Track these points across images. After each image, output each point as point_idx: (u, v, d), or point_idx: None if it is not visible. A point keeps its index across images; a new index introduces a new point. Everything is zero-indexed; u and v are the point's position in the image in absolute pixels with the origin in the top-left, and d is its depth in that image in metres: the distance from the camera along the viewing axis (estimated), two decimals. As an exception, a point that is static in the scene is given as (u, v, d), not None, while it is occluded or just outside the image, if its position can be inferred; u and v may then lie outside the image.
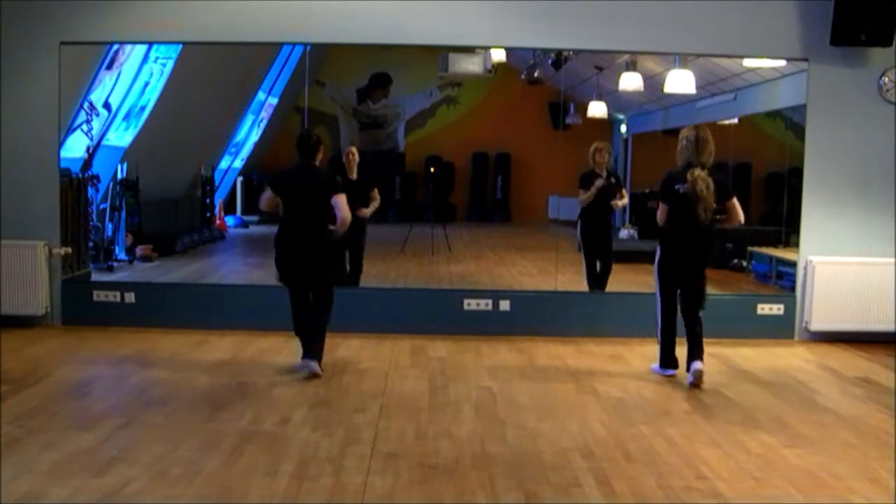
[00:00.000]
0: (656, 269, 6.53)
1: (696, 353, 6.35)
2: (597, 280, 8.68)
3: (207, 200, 12.15)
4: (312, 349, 6.34)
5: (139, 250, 10.17)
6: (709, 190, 6.11)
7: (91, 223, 9.10)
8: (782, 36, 7.84)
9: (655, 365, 6.68)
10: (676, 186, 6.24)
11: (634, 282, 9.01)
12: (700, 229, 6.24)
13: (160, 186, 10.76)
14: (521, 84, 11.24)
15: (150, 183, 10.30)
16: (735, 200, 6.31)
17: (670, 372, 6.55)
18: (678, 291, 6.48)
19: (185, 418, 5.31)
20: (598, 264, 8.72)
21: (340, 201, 6.22)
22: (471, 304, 8.06)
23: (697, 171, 6.13)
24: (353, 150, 8.69)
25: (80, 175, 8.77)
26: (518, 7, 7.81)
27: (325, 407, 5.62)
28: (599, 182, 8.53)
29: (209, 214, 12.19)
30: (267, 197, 6.42)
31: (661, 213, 6.44)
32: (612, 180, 8.73)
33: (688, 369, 6.34)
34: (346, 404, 5.69)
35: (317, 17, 7.74)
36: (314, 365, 6.27)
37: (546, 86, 10.94)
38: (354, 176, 8.53)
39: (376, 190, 8.67)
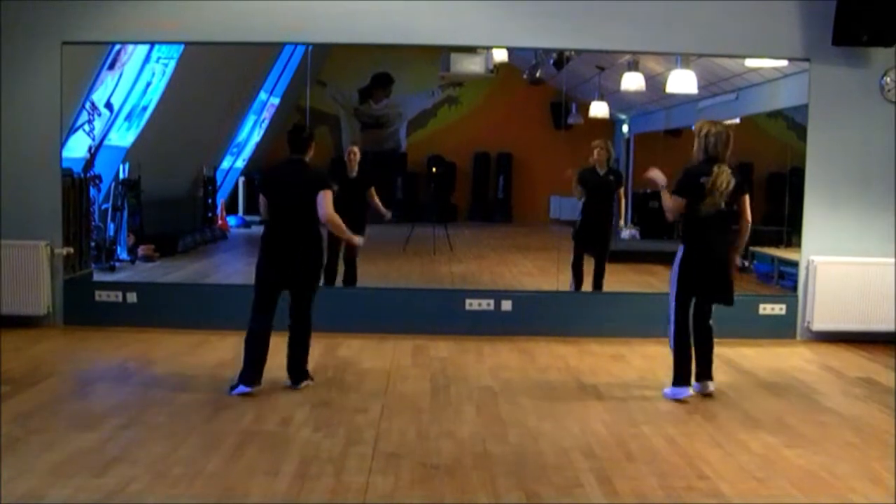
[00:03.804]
0: (676, 273, 5.97)
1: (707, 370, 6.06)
2: (593, 280, 8.69)
3: (209, 200, 12.14)
4: (298, 370, 6.04)
5: (141, 250, 10.17)
6: (727, 187, 5.76)
7: (93, 223, 9.10)
8: (784, 36, 7.84)
9: (667, 388, 6.03)
10: (702, 179, 5.81)
11: (636, 282, 9.02)
12: (725, 227, 5.91)
13: (162, 186, 10.76)
14: (523, 84, 11.22)
15: (152, 183, 10.29)
16: (747, 198, 5.94)
17: (685, 393, 5.94)
18: (694, 300, 6.00)
19: (186, 418, 5.31)
20: (593, 263, 8.75)
21: (324, 198, 5.80)
22: (472, 304, 8.06)
23: (724, 167, 5.80)
24: (355, 149, 8.73)
25: (82, 175, 8.77)
26: (519, 7, 7.80)
27: (326, 407, 5.62)
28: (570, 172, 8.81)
29: (211, 214, 12.17)
30: (263, 203, 6.00)
31: (675, 205, 5.91)
32: (611, 178, 8.80)
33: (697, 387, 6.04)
34: (348, 404, 5.69)
35: (318, 17, 7.74)
36: (308, 382, 6.07)
37: (548, 86, 10.92)
38: (354, 174, 8.59)
39: (373, 189, 8.73)
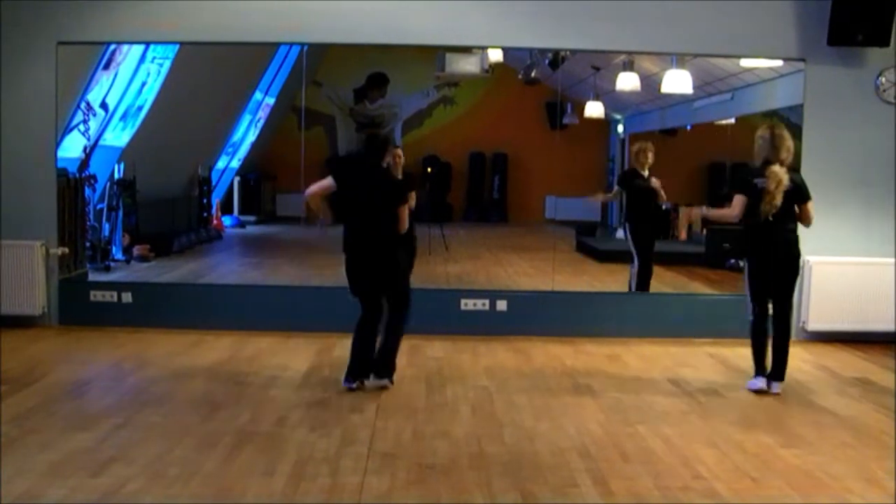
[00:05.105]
0: (746, 283, 6.29)
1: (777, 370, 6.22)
2: (640, 282, 8.70)
3: (204, 200, 12.14)
4: (385, 366, 6.09)
5: (136, 250, 10.15)
6: (778, 188, 5.95)
7: (88, 223, 9.08)
8: (779, 36, 7.85)
9: (751, 380, 6.28)
10: (756, 181, 6.03)
11: (632, 282, 8.99)
12: (780, 228, 6.07)
13: (157, 186, 10.75)
14: (518, 84, 11.23)
15: (147, 183, 10.28)
16: (810, 204, 6.16)
17: (755, 384, 6.19)
18: (769, 296, 6.25)
19: (182, 418, 5.31)
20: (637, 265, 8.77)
21: (401, 214, 6.10)
22: (468, 304, 8.06)
23: (775, 168, 5.97)
24: (399, 151, 8.80)
25: (78, 175, 8.75)
26: (515, 7, 7.81)
27: (322, 407, 5.61)
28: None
29: (206, 214, 12.17)
30: (324, 185, 6.02)
31: (737, 207, 6.12)
32: (654, 180, 8.82)
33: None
34: (343, 404, 5.68)
35: (314, 17, 7.73)
36: (386, 382, 6.08)
37: (543, 86, 10.93)
38: (399, 177, 8.66)
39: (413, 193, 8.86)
